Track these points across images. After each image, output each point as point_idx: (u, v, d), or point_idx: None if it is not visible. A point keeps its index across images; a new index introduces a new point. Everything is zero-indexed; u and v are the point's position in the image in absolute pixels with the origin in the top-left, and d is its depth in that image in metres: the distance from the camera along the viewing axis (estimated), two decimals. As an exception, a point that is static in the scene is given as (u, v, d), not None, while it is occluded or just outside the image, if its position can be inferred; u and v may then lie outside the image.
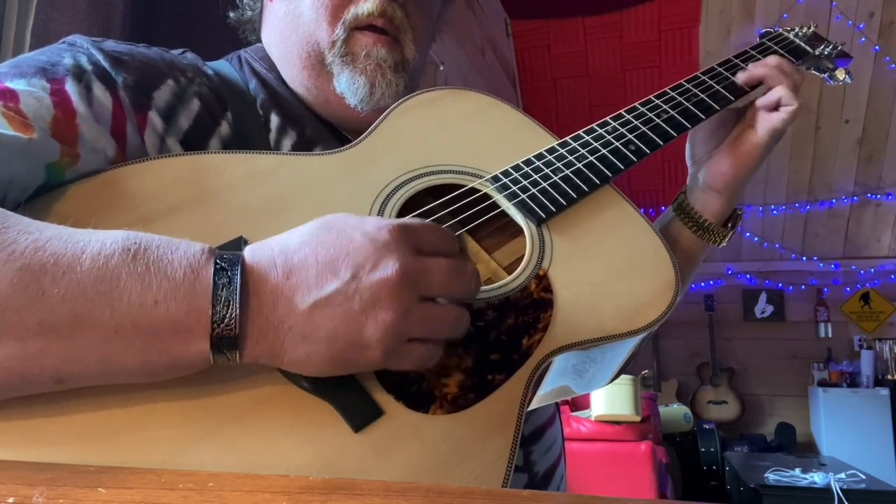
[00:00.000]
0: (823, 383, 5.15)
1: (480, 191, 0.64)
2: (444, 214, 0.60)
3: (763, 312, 5.53)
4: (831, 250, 5.36)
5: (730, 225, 0.81)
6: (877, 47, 4.26)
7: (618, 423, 3.03)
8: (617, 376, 0.72)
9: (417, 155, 0.64)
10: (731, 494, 3.93)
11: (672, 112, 0.75)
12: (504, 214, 0.64)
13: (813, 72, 0.89)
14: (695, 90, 0.78)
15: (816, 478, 3.11)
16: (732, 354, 5.54)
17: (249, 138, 0.65)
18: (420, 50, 0.74)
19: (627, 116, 0.74)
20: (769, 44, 0.86)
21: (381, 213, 0.58)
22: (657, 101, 0.76)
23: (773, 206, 5.22)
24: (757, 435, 5.20)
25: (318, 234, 0.46)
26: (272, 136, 0.67)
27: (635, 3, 4.15)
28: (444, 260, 0.47)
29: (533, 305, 0.56)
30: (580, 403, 3.41)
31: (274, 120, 0.68)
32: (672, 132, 0.73)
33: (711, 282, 5.62)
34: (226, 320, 0.41)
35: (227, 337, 0.42)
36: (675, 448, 4.59)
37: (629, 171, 0.69)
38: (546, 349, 0.53)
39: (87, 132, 0.55)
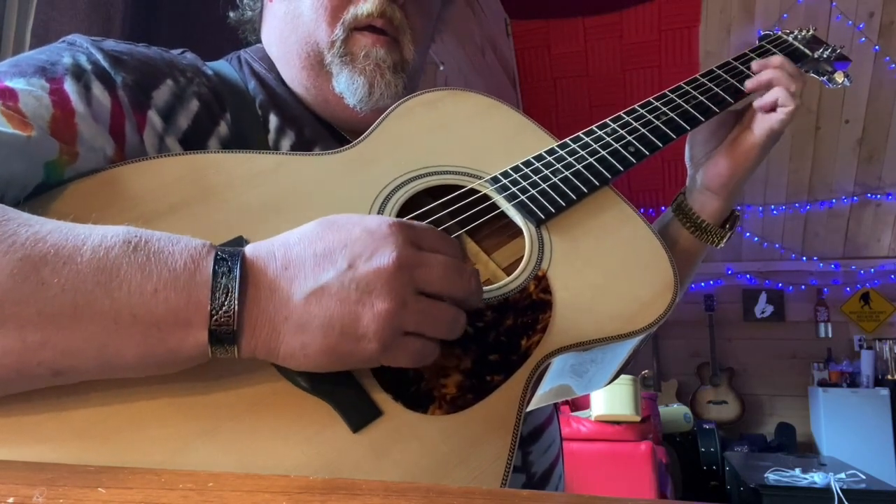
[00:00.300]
0: (823, 383, 5.15)
1: (480, 192, 0.64)
2: (443, 215, 0.60)
3: (763, 312, 5.53)
4: (831, 250, 5.36)
5: (728, 226, 0.82)
6: (877, 47, 4.26)
7: (618, 423, 3.03)
8: (616, 376, 0.72)
9: (417, 156, 0.64)
10: (731, 494, 3.93)
11: (671, 114, 0.75)
12: (503, 215, 0.64)
13: (812, 75, 0.89)
14: (694, 92, 0.78)
15: (816, 478, 3.11)
16: (732, 354, 5.53)
17: (248, 138, 0.65)
18: (419, 50, 0.74)
19: (627, 118, 0.74)
20: (768, 46, 0.86)
21: (380, 213, 0.58)
22: (656, 104, 0.76)
23: (773, 206, 5.22)
24: (757, 435, 5.20)
25: (318, 230, 0.46)
26: (271, 136, 0.67)
27: (635, 3, 4.15)
28: (442, 256, 0.47)
29: (532, 306, 0.56)
30: (580, 403, 3.41)
31: (273, 120, 0.68)
32: (671, 134, 0.73)
33: (711, 282, 5.62)
34: (224, 308, 0.41)
35: (225, 326, 0.42)
36: (675, 448, 4.59)
37: (629, 171, 0.69)
38: (545, 350, 0.53)
39: (86, 131, 0.55)
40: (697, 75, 0.81)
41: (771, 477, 3.22)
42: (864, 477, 3.17)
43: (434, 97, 0.70)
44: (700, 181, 0.81)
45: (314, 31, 0.69)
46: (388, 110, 0.68)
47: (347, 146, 0.64)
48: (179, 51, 0.70)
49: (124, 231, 0.43)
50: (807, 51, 0.87)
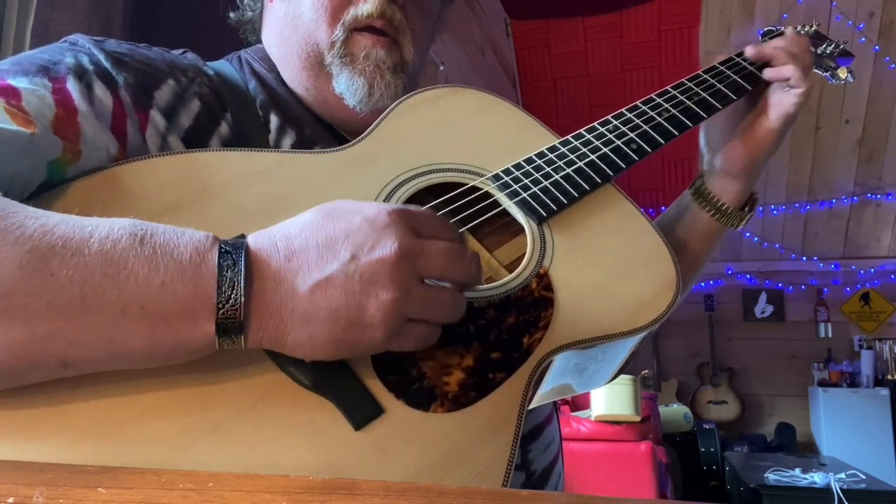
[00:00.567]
0: (823, 383, 5.15)
1: (481, 189, 0.64)
2: (445, 213, 0.60)
3: (763, 312, 5.53)
4: (831, 250, 5.36)
5: (747, 208, 0.83)
6: (877, 47, 4.26)
7: (618, 423, 3.03)
8: (617, 375, 0.72)
9: (418, 153, 0.64)
10: (731, 494, 3.93)
11: (674, 111, 0.75)
12: (505, 213, 0.64)
13: (815, 70, 0.89)
14: (696, 89, 0.78)
15: (816, 478, 3.11)
16: (732, 354, 5.54)
17: (249, 138, 0.65)
18: (419, 51, 0.74)
19: (629, 115, 0.74)
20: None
21: None
22: (659, 100, 0.76)
23: (773, 206, 5.22)
24: (757, 435, 5.20)
25: (318, 219, 0.46)
26: (272, 136, 0.67)
27: (635, 3, 4.15)
28: (442, 243, 0.47)
29: (534, 304, 0.56)
30: (580, 403, 3.41)
31: (273, 120, 0.68)
32: (674, 131, 0.73)
33: (711, 282, 5.62)
34: (231, 301, 0.42)
35: (231, 319, 0.42)
36: (675, 448, 4.59)
37: (630, 169, 0.69)
38: (547, 348, 0.53)
39: (89, 130, 0.55)
40: (700, 71, 0.81)
41: (771, 477, 3.22)
42: (864, 477, 3.17)
43: (435, 94, 0.70)
44: (719, 166, 0.82)
45: (314, 32, 0.69)
46: (389, 108, 0.68)
47: (349, 144, 0.64)
48: (180, 51, 0.70)
49: (130, 224, 0.43)
50: (811, 48, 0.87)
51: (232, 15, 0.81)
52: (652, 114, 0.74)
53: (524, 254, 0.60)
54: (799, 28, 0.91)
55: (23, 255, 0.39)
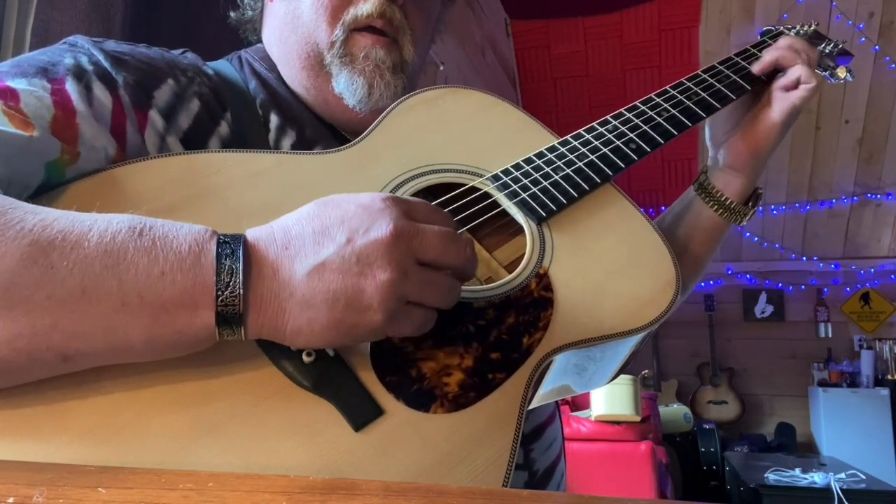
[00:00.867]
0: (823, 383, 5.15)
1: (481, 189, 0.64)
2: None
3: (763, 312, 5.53)
4: (831, 250, 5.36)
5: (751, 203, 0.83)
6: (877, 47, 4.26)
7: (618, 423, 3.03)
8: (617, 375, 0.72)
9: (418, 153, 0.64)
10: (731, 494, 3.93)
11: (673, 110, 0.75)
12: (505, 213, 0.64)
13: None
14: (696, 88, 0.78)
15: (816, 478, 3.10)
16: (732, 354, 5.53)
17: (249, 138, 0.65)
18: (419, 51, 0.74)
19: (628, 115, 0.74)
20: (770, 42, 0.86)
21: None
22: (658, 100, 0.76)
23: (773, 206, 5.22)
24: (757, 435, 5.20)
25: (314, 210, 0.47)
26: (272, 136, 0.67)
27: (635, 3, 4.15)
28: (437, 226, 0.48)
29: (533, 304, 0.56)
30: (580, 403, 3.41)
31: (273, 120, 0.68)
32: (673, 130, 0.73)
33: (711, 282, 5.62)
34: (230, 289, 0.42)
35: (231, 307, 0.42)
36: (675, 448, 4.59)
37: (630, 169, 0.69)
38: (547, 348, 0.53)
39: (87, 131, 0.55)
40: (699, 71, 0.81)
41: (771, 477, 3.22)
42: (864, 477, 3.17)
43: (435, 95, 0.70)
44: (722, 160, 0.82)
45: (314, 32, 0.69)
46: (389, 108, 0.68)
47: (348, 144, 0.64)
48: (180, 51, 0.70)
49: (129, 218, 0.43)
50: None
51: (232, 14, 0.81)
52: (651, 114, 0.74)
53: (524, 254, 0.60)
54: (798, 28, 0.91)
55: (23, 249, 0.40)
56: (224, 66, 0.72)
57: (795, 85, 0.77)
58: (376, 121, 0.66)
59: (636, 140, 0.71)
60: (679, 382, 5.53)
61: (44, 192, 0.52)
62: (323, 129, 0.71)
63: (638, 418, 3.03)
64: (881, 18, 4.20)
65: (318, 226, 0.45)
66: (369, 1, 0.68)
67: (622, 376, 2.92)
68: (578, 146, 0.69)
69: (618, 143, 0.70)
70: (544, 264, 0.59)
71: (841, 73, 0.88)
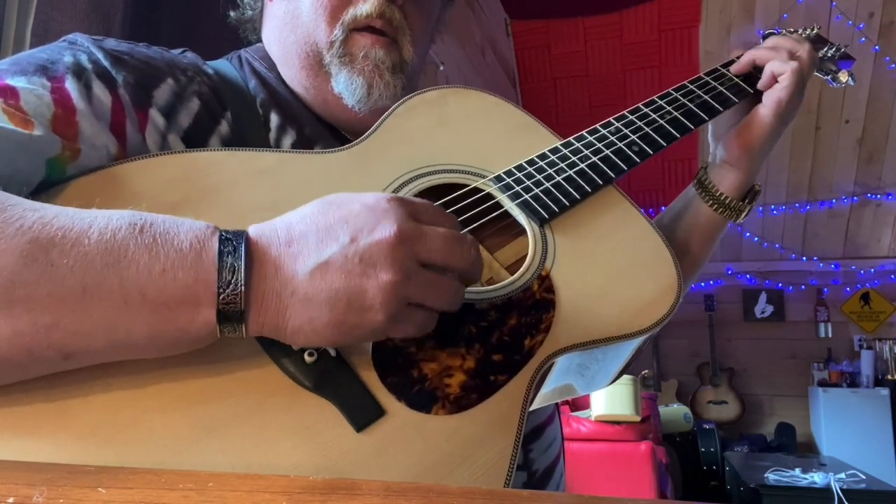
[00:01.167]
0: (823, 383, 5.15)
1: (483, 190, 0.64)
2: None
3: (763, 312, 5.53)
4: (831, 250, 5.36)
5: (748, 200, 0.83)
6: (877, 47, 4.26)
7: (618, 423, 3.03)
8: (619, 376, 0.71)
9: (420, 154, 0.64)
10: (731, 494, 3.93)
11: (675, 113, 0.75)
12: (507, 214, 0.64)
13: (816, 73, 0.89)
14: (698, 91, 0.78)
15: (816, 478, 3.10)
16: (732, 354, 5.53)
17: (249, 137, 0.65)
18: (419, 51, 0.74)
19: (631, 117, 0.74)
20: None
21: None
22: (660, 102, 0.76)
23: (773, 206, 5.22)
24: (757, 435, 5.20)
25: (318, 208, 0.47)
26: (272, 135, 0.67)
27: (635, 3, 4.15)
28: (442, 228, 0.47)
29: (535, 306, 0.55)
30: (580, 403, 3.41)
31: (274, 119, 0.68)
32: (675, 133, 0.73)
33: (711, 282, 5.62)
34: (231, 286, 0.42)
35: (232, 304, 0.42)
36: (675, 448, 4.59)
37: (631, 171, 0.69)
38: (548, 350, 0.53)
39: (87, 129, 0.55)
40: (701, 74, 0.81)
41: (771, 477, 3.22)
42: (864, 477, 3.17)
43: (437, 95, 0.70)
44: (720, 156, 0.83)
45: (313, 32, 0.69)
46: (391, 108, 0.68)
47: (350, 144, 0.64)
48: (180, 50, 0.70)
49: (129, 214, 0.43)
50: None
51: (232, 14, 0.81)
52: (654, 116, 0.74)
53: (526, 255, 0.60)
54: (800, 31, 0.91)
55: (23, 247, 0.40)
56: (224, 65, 0.72)
57: (774, 80, 0.78)
58: (378, 121, 0.66)
59: (638, 142, 0.71)
60: (679, 382, 5.53)
61: (45, 188, 0.52)
62: (322, 129, 0.71)
63: (638, 418, 3.03)
64: (881, 18, 4.20)
65: (322, 224, 0.45)
66: (368, 1, 0.68)
67: (622, 376, 2.92)
68: (581, 147, 0.69)
69: (620, 144, 0.70)
70: (546, 266, 0.59)
71: (843, 76, 0.88)
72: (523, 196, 0.63)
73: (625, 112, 0.75)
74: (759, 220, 5.31)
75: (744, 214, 0.83)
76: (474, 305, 0.54)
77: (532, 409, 0.62)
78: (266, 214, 0.49)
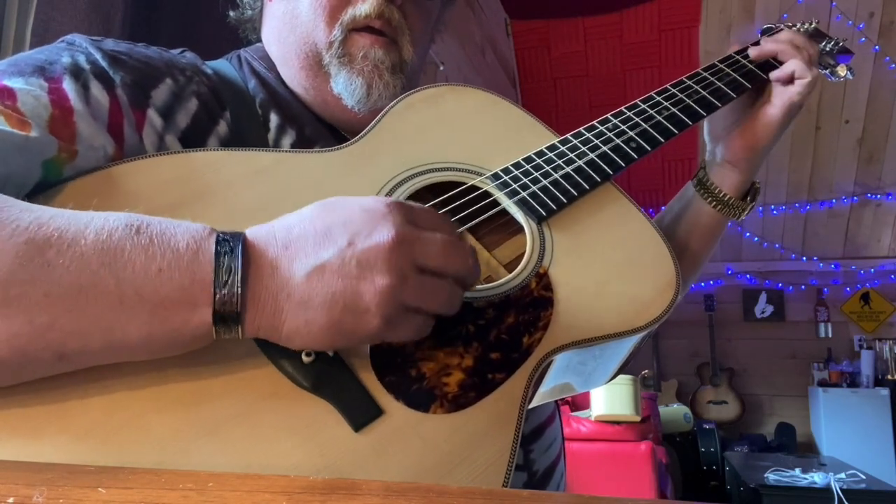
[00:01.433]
0: (823, 383, 5.15)
1: (481, 188, 0.64)
2: (444, 212, 0.60)
3: (763, 312, 5.53)
4: (831, 250, 5.36)
5: (748, 199, 0.83)
6: (877, 47, 4.26)
7: (618, 423, 3.03)
8: (617, 374, 0.72)
9: (418, 152, 0.64)
10: (731, 494, 3.93)
11: (673, 109, 0.75)
12: (504, 212, 0.64)
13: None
14: (696, 87, 0.78)
15: (816, 478, 3.10)
16: (732, 354, 5.53)
17: (248, 137, 0.65)
18: (418, 51, 0.74)
19: (629, 113, 0.74)
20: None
21: None
22: (659, 98, 0.76)
23: (773, 206, 5.22)
24: (757, 435, 5.20)
25: (316, 211, 0.47)
26: (271, 135, 0.67)
27: (635, 3, 4.15)
28: (440, 234, 0.47)
29: (533, 304, 0.55)
30: (580, 403, 3.41)
31: (273, 119, 0.68)
32: (673, 129, 0.73)
33: (711, 282, 5.62)
34: (227, 287, 0.42)
35: (228, 305, 0.42)
36: (675, 448, 4.59)
37: (630, 168, 0.69)
38: (546, 348, 0.53)
39: (85, 129, 0.55)
40: (699, 69, 0.81)
41: (771, 477, 3.22)
42: (864, 477, 3.17)
43: (435, 93, 0.70)
44: (720, 155, 0.82)
45: (312, 32, 0.69)
46: (388, 106, 0.68)
47: (348, 143, 0.64)
48: (179, 50, 0.70)
49: (126, 216, 0.43)
50: None
51: (232, 14, 0.81)
52: (651, 112, 0.74)
53: (523, 253, 0.60)
54: (798, 25, 0.91)
55: (19, 247, 0.40)
56: (223, 65, 0.72)
57: (791, 79, 0.77)
58: (376, 118, 0.66)
59: (636, 139, 0.71)
60: (679, 382, 5.53)
61: (41, 190, 0.52)
62: (322, 129, 0.71)
63: (638, 418, 3.03)
64: (881, 18, 4.20)
65: (319, 227, 0.45)
66: (367, 1, 0.68)
67: (622, 376, 2.92)
68: (579, 145, 0.69)
69: (618, 141, 0.70)
70: (544, 263, 0.59)
71: (841, 70, 0.88)
72: (521, 193, 0.63)
73: (622, 108, 0.75)
74: (759, 220, 5.31)
75: (745, 212, 0.83)
76: (472, 304, 0.54)
77: (531, 407, 0.62)
78: (262, 214, 0.49)
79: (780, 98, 0.78)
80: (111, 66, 0.60)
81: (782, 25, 0.91)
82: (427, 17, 0.76)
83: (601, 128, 0.72)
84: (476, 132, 0.69)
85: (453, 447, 0.46)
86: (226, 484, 0.31)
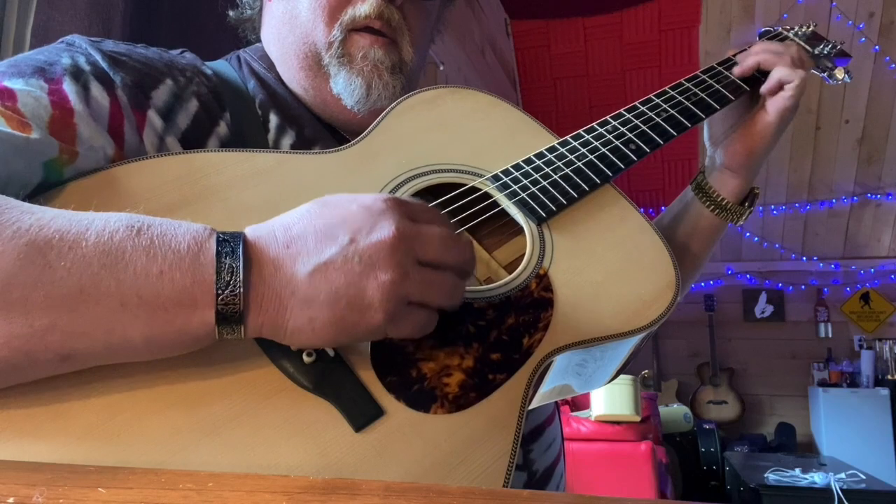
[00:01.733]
0: (823, 383, 5.15)
1: (481, 190, 0.64)
2: (444, 213, 0.60)
3: (763, 312, 5.53)
4: (831, 250, 5.36)
5: (747, 203, 0.83)
6: (877, 47, 4.26)
7: (618, 423, 3.03)
8: (617, 375, 0.72)
9: (417, 153, 0.64)
10: (731, 494, 3.93)
11: (672, 111, 0.75)
12: (504, 213, 0.64)
13: (812, 71, 0.89)
14: (695, 89, 0.79)
15: (816, 478, 3.10)
16: (732, 354, 5.53)
17: (248, 138, 0.65)
18: (418, 52, 0.74)
19: (628, 115, 0.74)
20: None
21: None
22: (657, 101, 0.77)
23: (773, 206, 5.22)
24: (757, 435, 5.20)
25: (315, 209, 0.47)
26: (271, 135, 0.67)
27: (635, 3, 4.15)
28: (438, 228, 0.48)
29: (533, 305, 0.55)
30: (580, 403, 3.41)
31: (273, 120, 0.68)
32: (672, 131, 0.73)
33: (711, 282, 5.62)
34: (230, 287, 0.42)
35: (231, 305, 0.42)
36: (675, 448, 4.59)
37: (629, 170, 0.69)
38: (547, 349, 0.53)
39: (85, 130, 0.55)
40: (699, 72, 0.82)
41: (771, 477, 3.22)
42: (864, 477, 3.17)
43: (434, 95, 0.70)
44: (719, 161, 0.83)
45: (312, 32, 0.69)
46: (388, 108, 0.68)
47: (348, 144, 0.64)
48: (179, 51, 0.70)
49: (126, 217, 0.43)
50: (807, 47, 0.87)
51: (231, 13, 0.81)
52: (650, 114, 0.74)
53: (523, 254, 0.60)
54: (796, 29, 0.91)
55: (20, 249, 0.40)
56: (223, 66, 0.72)
57: (780, 86, 0.78)
58: (376, 120, 0.66)
59: (635, 140, 0.71)
60: (679, 382, 5.53)
61: (42, 191, 0.52)
62: (322, 129, 0.71)
63: (638, 418, 3.03)
64: (881, 18, 4.20)
65: (320, 225, 0.45)
66: (367, 2, 0.68)
67: (622, 376, 2.92)
68: (578, 146, 0.69)
69: (617, 143, 0.70)
70: (544, 265, 0.59)
71: (839, 73, 0.88)
72: (521, 195, 0.63)
73: (621, 111, 0.75)
74: (759, 220, 5.31)
75: (744, 217, 0.84)
76: (472, 304, 0.54)
77: (531, 408, 0.62)
78: (263, 215, 0.49)
79: (773, 105, 0.78)
80: (111, 68, 0.60)
81: (781, 28, 0.91)
82: (427, 17, 0.76)
83: (600, 129, 0.72)
84: (476, 134, 0.69)
85: (453, 447, 0.46)
86: (226, 484, 0.31)
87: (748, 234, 5.38)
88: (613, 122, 0.73)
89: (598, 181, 0.66)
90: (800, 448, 5.10)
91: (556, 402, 0.77)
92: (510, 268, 0.62)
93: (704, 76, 0.81)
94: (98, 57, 0.60)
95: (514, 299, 0.55)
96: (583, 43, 4.45)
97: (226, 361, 0.46)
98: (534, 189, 0.64)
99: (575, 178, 0.66)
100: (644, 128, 0.73)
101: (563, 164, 0.67)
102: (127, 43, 0.66)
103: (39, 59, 0.58)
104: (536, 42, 4.49)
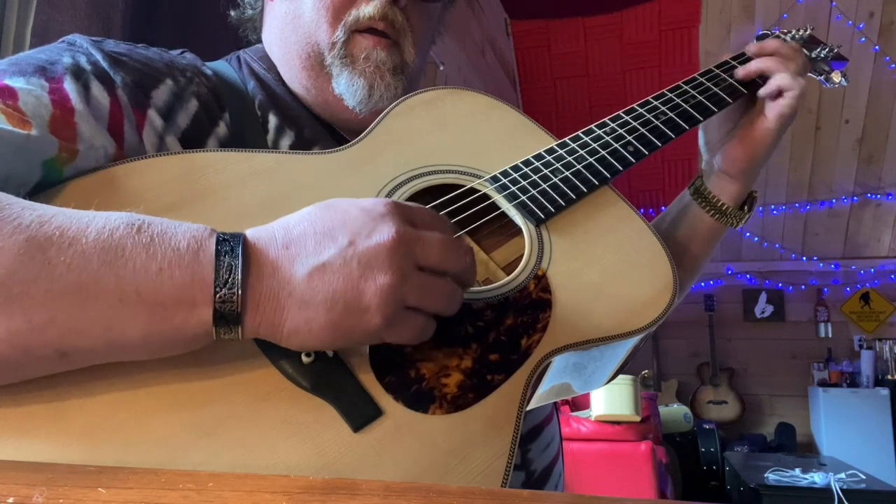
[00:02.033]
0: (823, 383, 5.15)
1: (479, 191, 0.64)
2: (443, 214, 0.60)
3: (763, 312, 5.53)
4: (831, 250, 5.36)
5: (746, 207, 0.83)
6: (877, 47, 4.26)
7: (618, 423, 3.03)
8: (616, 375, 0.72)
9: (416, 154, 0.64)
10: (731, 494, 3.93)
11: (670, 113, 0.75)
12: (503, 215, 0.64)
13: (809, 74, 0.89)
14: (693, 92, 0.79)
15: (816, 478, 3.10)
16: (732, 354, 5.53)
17: (247, 139, 0.65)
18: (420, 53, 0.74)
19: (626, 118, 0.74)
20: None
21: None
22: (655, 103, 0.77)
23: (773, 206, 5.22)
24: (757, 435, 5.20)
25: (316, 211, 0.47)
26: (270, 136, 0.67)
27: (635, 3, 4.15)
28: (438, 233, 0.48)
29: (532, 306, 0.56)
30: (580, 403, 3.41)
31: (272, 120, 0.68)
32: (670, 133, 0.73)
33: (711, 282, 5.62)
34: (228, 285, 0.42)
35: (229, 304, 0.42)
36: (675, 448, 4.59)
37: (629, 170, 0.69)
38: (545, 349, 0.53)
39: (85, 129, 0.56)
40: (696, 74, 0.82)
41: (771, 477, 3.22)
42: (864, 477, 3.17)
43: (434, 96, 0.70)
44: (717, 166, 0.83)
45: (315, 32, 0.69)
46: (387, 109, 0.68)
47: (347, 145, 0.64)
48: (179, 51, 0.70)
49: (127, 215, 0.44)
50: (804, 50, 0.87)
51: (232, 13, 0.81)
52: (648, 116, 0.75)
53: (522, 255, 0.60)
54: (794, 32, 0.91)
55: (20, 245, 0.40)
56: (223, 66, 0.72)
57: (779, 93, 0.78)
58: (375, 121, 0.67)
59: (634, 143, 0.71)
60: (679, 382, 5.53)
61: (42, 189, 0.52)
62: (322, 130, 0.71)
63: (638, 418, 3.03)
64: (881, 18, 4.19)
65: (319, 227, 0.45)
66: (371, 3, 0.68)
67: (622, 376, 2.92)
68: (577, 148, 0.69)
69: (615, 145, 0.71)
70: (542, 266, 0.59)
71: (836, 77, 0.88)
72: (519, 196, 0.63)
73: (619, 113, 0.75)
74: (759, 221, 5.30)
75: (743, 221, 0.84)
76: (471, 305, 0.54)
77: (529, 408, 0.62)
78: (263, 215, 0.49)
79: (771, 111, 0.78)
80: (112, 67, 0.60)
81: (779, 31, 0.91)
82: (429, 19, 0.76)
83: (599, 131, 0.72)
84: (475, 135, 0.69)
85: (452, 447, 0.46)
86: (225, 484, 0.31)
87: (748, 234, 5.38)
88: (612, 125, 0.73)
89: (597, 183, 0.66)
90: (800, 448, 5.10)
91: (554, 402, 0.77)
92: (509, 269, 0.62)
93: (702, 79, 0.81)
94: (99, 56, 0.60)
95: (512, 300, 0.55)
96: (583, 43, 4.45)
97: (225, 362, 0.46)
98: (532, 191, 0.64)
99: (573, 179, 0.66)
100: (642, 130, 0.73)
101: (561, 165, 0.67)
102: (127, 43, 0.66)
103: (40, 58, 0.58)
104: (536, 42, 4.49)
